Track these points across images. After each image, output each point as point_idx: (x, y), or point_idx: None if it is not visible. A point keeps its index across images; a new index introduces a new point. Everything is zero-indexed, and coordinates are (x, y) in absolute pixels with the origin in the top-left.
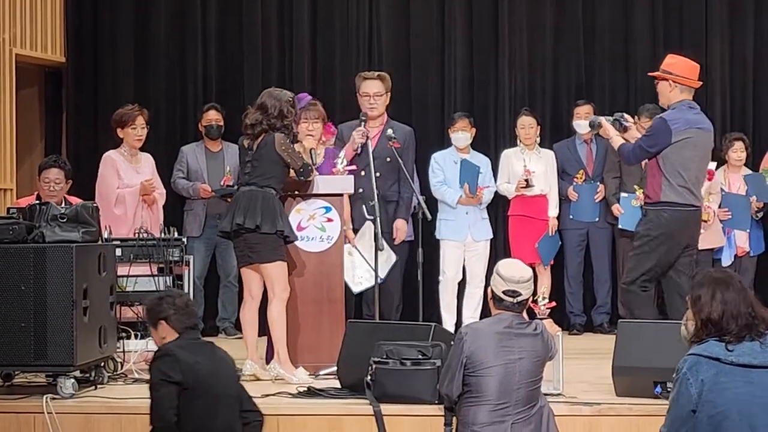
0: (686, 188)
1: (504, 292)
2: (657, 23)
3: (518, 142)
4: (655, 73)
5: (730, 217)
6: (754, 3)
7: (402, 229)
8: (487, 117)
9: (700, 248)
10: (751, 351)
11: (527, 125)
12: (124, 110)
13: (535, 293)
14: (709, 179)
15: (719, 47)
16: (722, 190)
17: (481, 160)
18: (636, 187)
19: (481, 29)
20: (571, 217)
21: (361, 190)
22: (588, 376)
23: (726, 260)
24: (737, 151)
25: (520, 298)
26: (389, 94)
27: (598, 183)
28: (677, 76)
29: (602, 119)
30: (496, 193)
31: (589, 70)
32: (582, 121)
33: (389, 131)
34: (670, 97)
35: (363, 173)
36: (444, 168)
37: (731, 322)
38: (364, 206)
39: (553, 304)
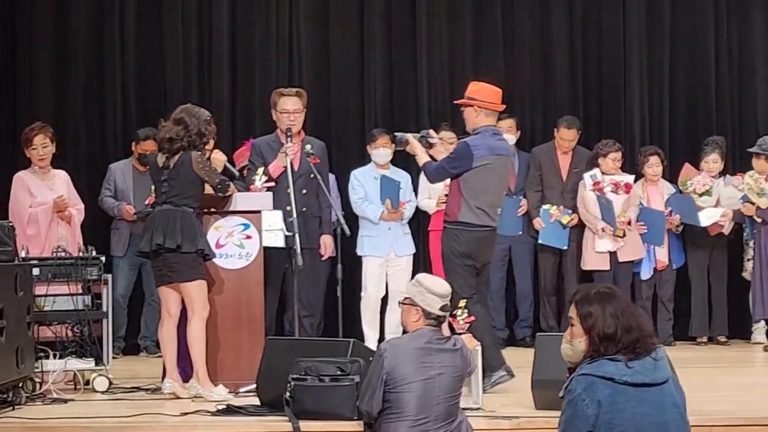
0: (483, 210)
1: (440, 308)
2: (575, 36)
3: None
4: (461, 101)
5: (645, 231)
6: (670, 17)
7: (329, 244)
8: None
9: (620, 261)
10: (644, 369)
11: (447, 139)
12: (25, 131)
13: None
14: (627, 192)
15: (637, 60)
16: (641, 204)
17: (402, 176)
18: (549, 205)
19: (400, 44)
20: None
21: (288, 208)
22: (508, 389)
23: (645, 273)
24: (653, 166)
25: (448, 312)
26: (306, 110)
27: (521, 197)
28: (482, 102)
29: (409, 136)
30: (417, 208)
31: (510, 83)
32: (504, 135)
33: (308, 147)
34: (476, 122)
35: (289, 190)
36: (364, 184)
37: (625, 337)
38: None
39: (473, 318)
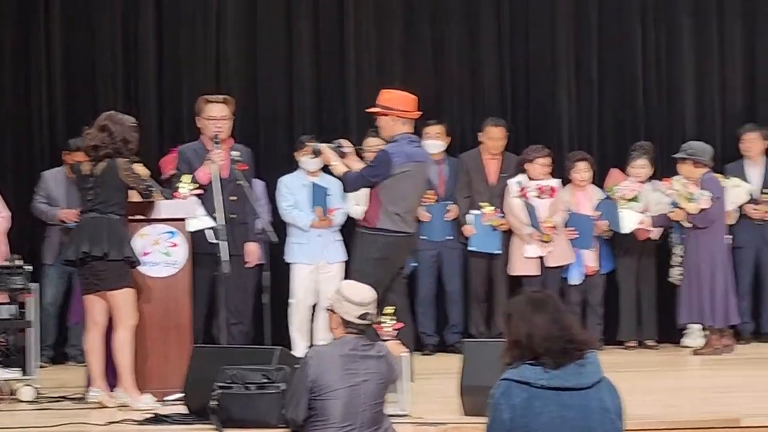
0: (400, 216)
1: (358, 317)
2: (504, 43)
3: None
4: (375, 110)
5: (576, 236)
6: (597, 24)
7: (254, 252)
8: (336, 138)
9: (549, 266)
10: (565, 374)
11: (374, 146)
12: None
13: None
14: (551, 196)
15: (565, 66)
16: (569, 209)
17: (332, 182)
18: (483, 204)
19: (328, 50)
20: (423, 237)
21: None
22: (437, 396)
23: (574, 278)
24: (581, 171)
25: (370, 320)
26: (234, 117)
27: (449, 203)
28: (398, 111)
29: (323, 146)
30: (348, 214)
31: (438, 90)
32: (432, 141)
33: (235, 153)
34: (392, 130)
35: (219, 197)
36: (294, 191)
37: (541, 346)
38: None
39: (401, 325)
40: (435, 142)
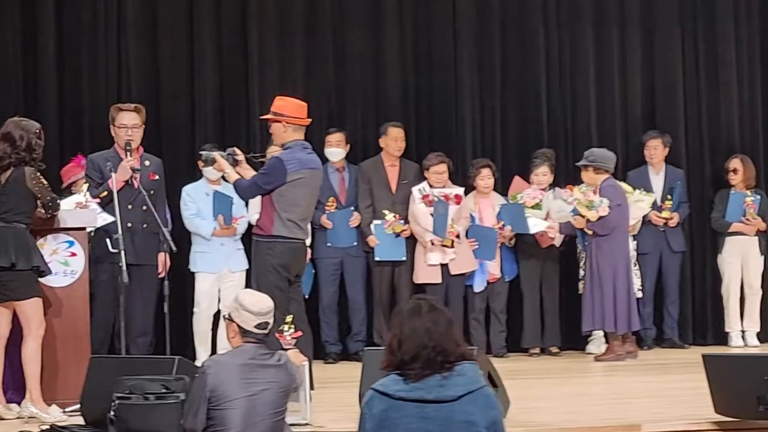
0: (295, 223)
1: (256, 326)
2: (407, 52)
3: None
4: (267, 117)
5: (477, 247)
6: (500, 31)
7: (166, 261)
8: (238, 147)
9: (452, 273)
10: (426, 386)
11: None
12: None
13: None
14: (457, 203)
15: (468, 75)
16: (472, 216)
17: (233, 190)
18: (386, 212)
19: (231, 59)
20: (328, 244)
21: (130, 224)
22: (338, 404)
23: (478, 286)
24: (484, 178)
25: (268, 329)
26: (145, 125)
27: (352, 209)
28: (289, 117)
29: (216, 154)
30: (250, 223)
31: (341, 98)
32: (333, 148)
33: (146, 162)
34: (284, 137)
35: (130, 206)
36: (196, 200)
37: (408, 353)
38: (108, 239)
39: (300, 333)
40: (336, 149)
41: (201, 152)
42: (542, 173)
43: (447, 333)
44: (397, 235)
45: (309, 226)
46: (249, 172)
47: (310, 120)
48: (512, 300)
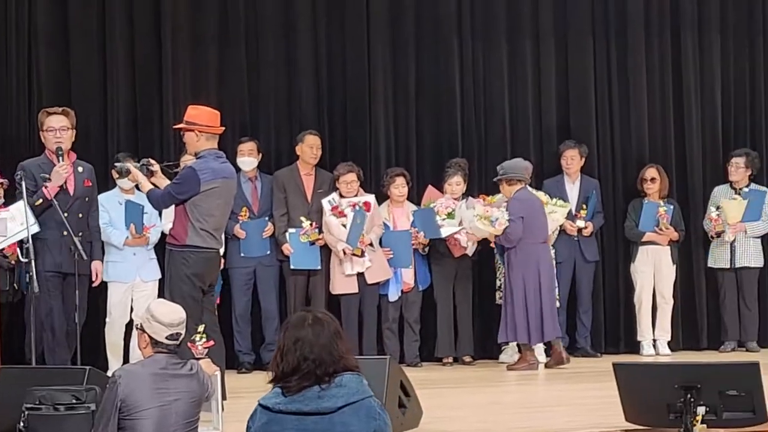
0: (209, 233)
1: (167, 337)
2: (320, 60)
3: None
4: (180, 126)
5: (392, 255)
6: (415, 40)
7: (99, 270)
8: (152, 156)
9: (368, 283)
10: (303, 398)
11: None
12: None
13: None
14: (367, 210)
15: (382, 85)
16: (386, 225)
17: (145, 200)
18: (302, 219)
19: (144, 67)
20: (242, 254)
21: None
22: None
23: (392, 295)
24: (398, 187)
25: (180, 339)
26: (74, 130)
27: (266, 219)
28: (202, 126)
29: (130, 165)
30: (162, 233)
31: (254, 107)
32: (246, 158)
33: (80, 169)
34: (198, 146)
35: (66, 214)
36: (109, 209)
37: (289, 365)
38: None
39: (212, 343)
40: (248, 158)
41: (115, 163)
42: (456, 183)
43: (329, 345)
44: (312, 243)
45: (222, 236)
46: (164, 182)
47: (223, 129)
48: (426, 309)
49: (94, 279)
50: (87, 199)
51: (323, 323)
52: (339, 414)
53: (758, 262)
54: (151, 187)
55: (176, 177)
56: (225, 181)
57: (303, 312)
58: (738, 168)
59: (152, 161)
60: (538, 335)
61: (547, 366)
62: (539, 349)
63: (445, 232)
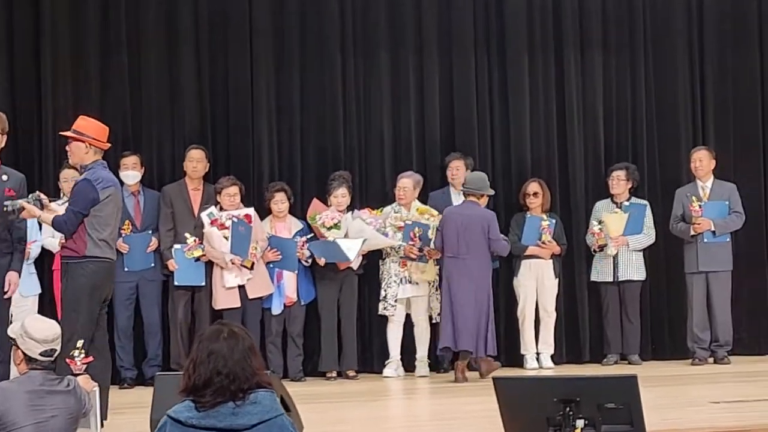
0: (105, 242)
1: (41, 354)
2: (203, 74)
3: (61, 194)
4: (69, 134)
5: (280, 257)
6: (298, 55)
7: (14, 281)
8: (32, 169)
9: (250, 297)
10: (217, 414)
11: (69, 178)
12: None
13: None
14: (249, 222)
15: (265, 100)
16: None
17: None
18: (187, 235)
19: (24, 79)
20: (126, 269)
21: None
22: (130, 430)
23: (276, 309)
24: (278, 203)
25: (54, 356)
26: (5, 135)
27: (150, 232)
28: (92, 139)
29: (22, 202)
30: (42, 247)
31: (136, 121)
32: (129, 171)
33: (4, 177)
34: (84, 158)
35: None
36: None
37: (201, 378)
38: None
39: (91, 359)
40: (131, 172)
41: (5, 204)
42: (341, 195)
43: (243, 360)
44: (197, 259)
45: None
46: (61, 209)
47: (109, 144)
48: (310, 323)
49: (6, 290)
50: (6, 208)
51: (238, 338)
52: (253, 431)
53: (640, 275)
54: (52, 216)
55: (72, 196)
56: (116, 189)
57: (218, 325)
58: (619, 181)
59: (41, 194)
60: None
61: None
62: (395, 363)
63: (351, 255)
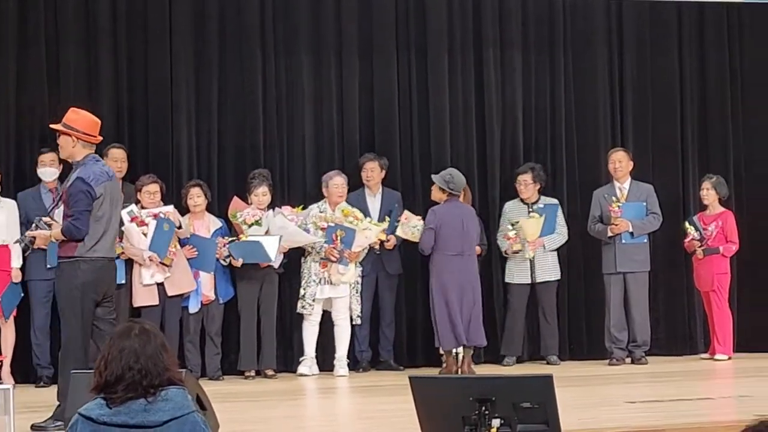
0: (99, 240)
1: None
2: (121, 71)
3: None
4: (58, 127)
5: (196, 255)
6: (218, 54)
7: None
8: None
9: (169, 295)
10: (129, 410)
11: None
12: None
13: None
14: (174, 220)
15: (185, 98)
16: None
17: None
18: None
19: None
20: (48, 266)
21: None
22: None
23: (193, 307)
24: (194, 197)
25: None
26: None
27: None
28: (81, 133)
29: (30, 233)
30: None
31: (53, 116)
32: (47, 168)
33: None
34: (74, 153)
35: None
36: None
37: (112, 375)
38: None
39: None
40: (49, 169)
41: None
42: (262, 193)
43: (155, 357)
44: (117, 257)
45: (116, 243)
46: (59, 219)
47: (101, 138)
48: (230, 322)
49: None
50: None
51: (150, 334)
52: (165, 428)
53: (556, 275)
54: (59, 227)
55: (69, 198)
56: (111, 183)
57: (130, 322)
58: (527, 185)
59: (42, 218)
60: (447, 341)
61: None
62: (310, 361)
63: (273, 253)
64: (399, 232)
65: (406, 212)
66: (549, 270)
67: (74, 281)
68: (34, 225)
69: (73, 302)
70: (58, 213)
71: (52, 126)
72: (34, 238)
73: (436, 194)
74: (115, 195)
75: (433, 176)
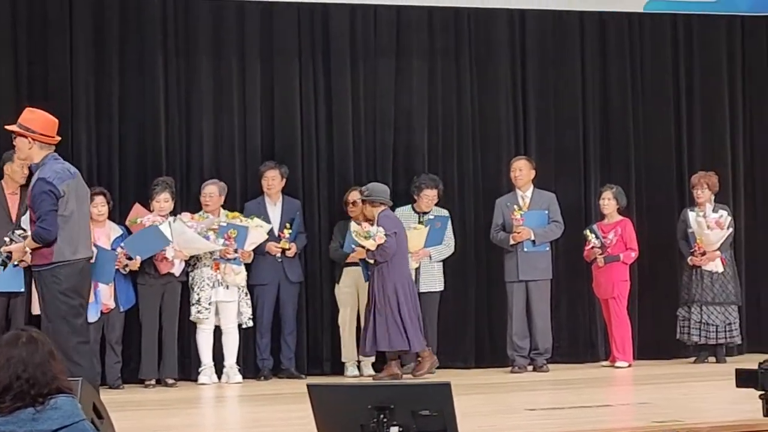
0: (72, 240)
1: None
2: (21, 77)
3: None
4: (13, 129)
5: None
6: (118, 60)
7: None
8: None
9: None
10: (17, 420)
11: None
12: None
13: None
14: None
15: (84, 103)
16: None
17: None
18: (6, 239)
19: None
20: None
21: None
22: None
23: (92, 316)
24: (98, 206)
25: None
26: None
27: None
28: (37, 134)
29: (9, 248)
30: None
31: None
32: None
33: None
34: (31, 154)
35: None
36: None
37: (1, 384)
38: None
39: None
40: None
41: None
42: (164, 200)
43: (43, 365)
44: (16, 265)
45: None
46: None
47: (59, 138)
48: (131, 330)
49: None
50: None
51: (38, 343)
52: None
53: (439, 286)
54: (29, 236)
55: (33, 200)
56: (74, 180)
57: (17, 331)
58: (430, 200)
59: (17, 230)
60: (418, 342)
61: (414, 373)
62: (209, 370)
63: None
64: (361, 242)
65: (353, 224)
66: (434, 281)
67: (54, 288)
68: (8, 239)
69: (58, 310)
70: (25, 219)
71: (7, 127)
72: (10, 253)
73: (370, 211)
74: (80, 192)
75: (364, 198)
